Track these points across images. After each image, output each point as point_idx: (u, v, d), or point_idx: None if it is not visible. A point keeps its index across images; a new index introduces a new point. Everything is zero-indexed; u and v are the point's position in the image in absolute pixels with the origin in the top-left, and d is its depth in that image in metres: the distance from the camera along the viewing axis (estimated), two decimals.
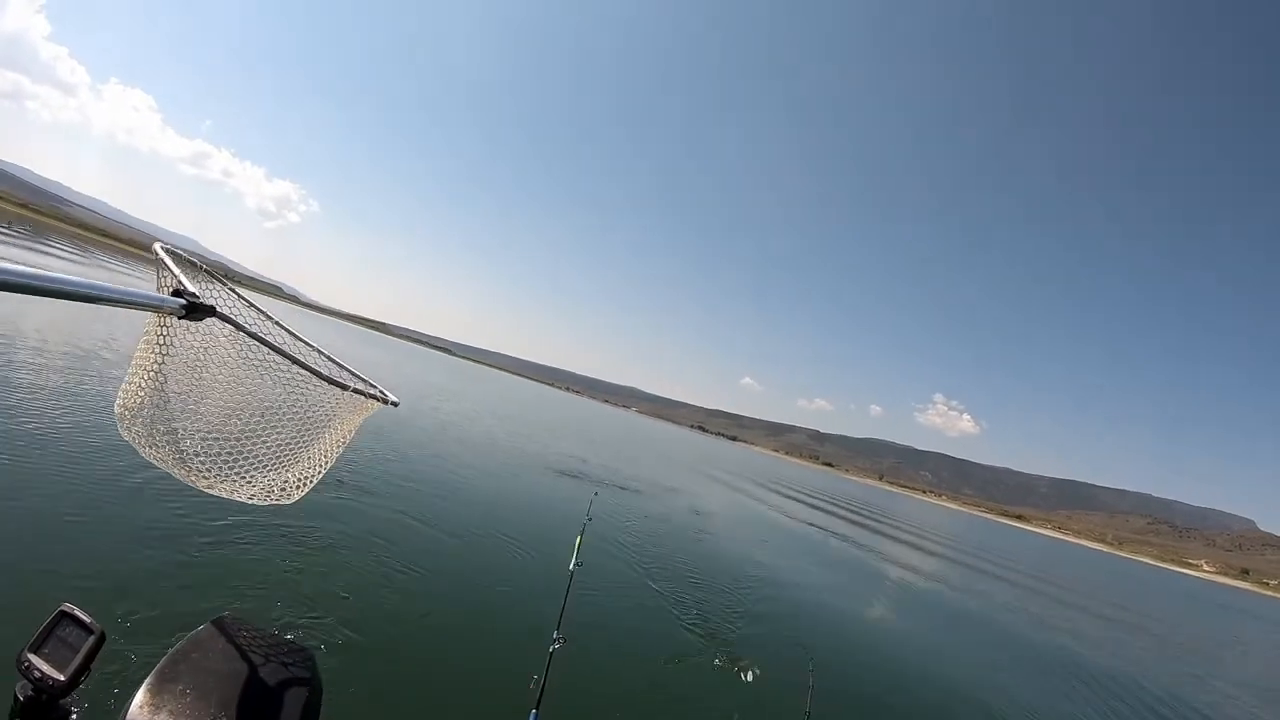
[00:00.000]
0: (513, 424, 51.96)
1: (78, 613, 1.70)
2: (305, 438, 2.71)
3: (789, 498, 67.37)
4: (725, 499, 46.24)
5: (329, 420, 2.74)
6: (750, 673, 12.67)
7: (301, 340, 2.95)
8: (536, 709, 5.01)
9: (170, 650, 1.69)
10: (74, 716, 1.66)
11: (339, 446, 2.90)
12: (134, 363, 2.42)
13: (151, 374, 2.28)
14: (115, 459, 13.61)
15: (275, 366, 2.36)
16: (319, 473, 2.84)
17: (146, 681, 1.57)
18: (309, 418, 2.69)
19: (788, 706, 11.15)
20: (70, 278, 1.16)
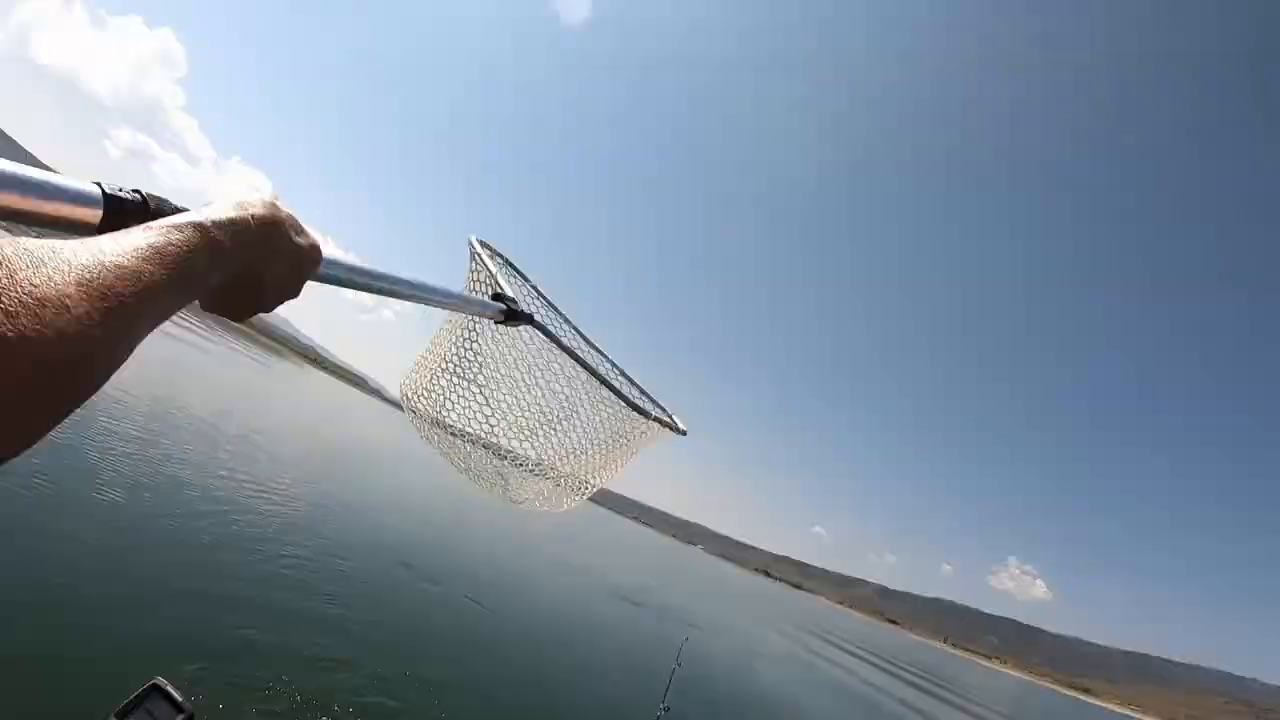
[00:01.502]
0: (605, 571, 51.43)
1: (170, 689, 1.71)
2: (593, 450, 2.61)
3: (853, 654, 66.14)
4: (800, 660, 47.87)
5: (621, 440, 2.63)
6: None
7: (608, 359, 2.96)
8: None
9: None
10: None
11: (623, 464, 2.75)
12: (432, 348, 2.51)
13: (449, 364, 2.35)
14: (267, 541, 14.92)
15: (579, 380, 2.33)
16: (594, 486, 2.75)
17: None
18: (602, 433, 2.60)
19: None
20: (396, 274, 1.17)
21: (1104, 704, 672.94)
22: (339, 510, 23.10)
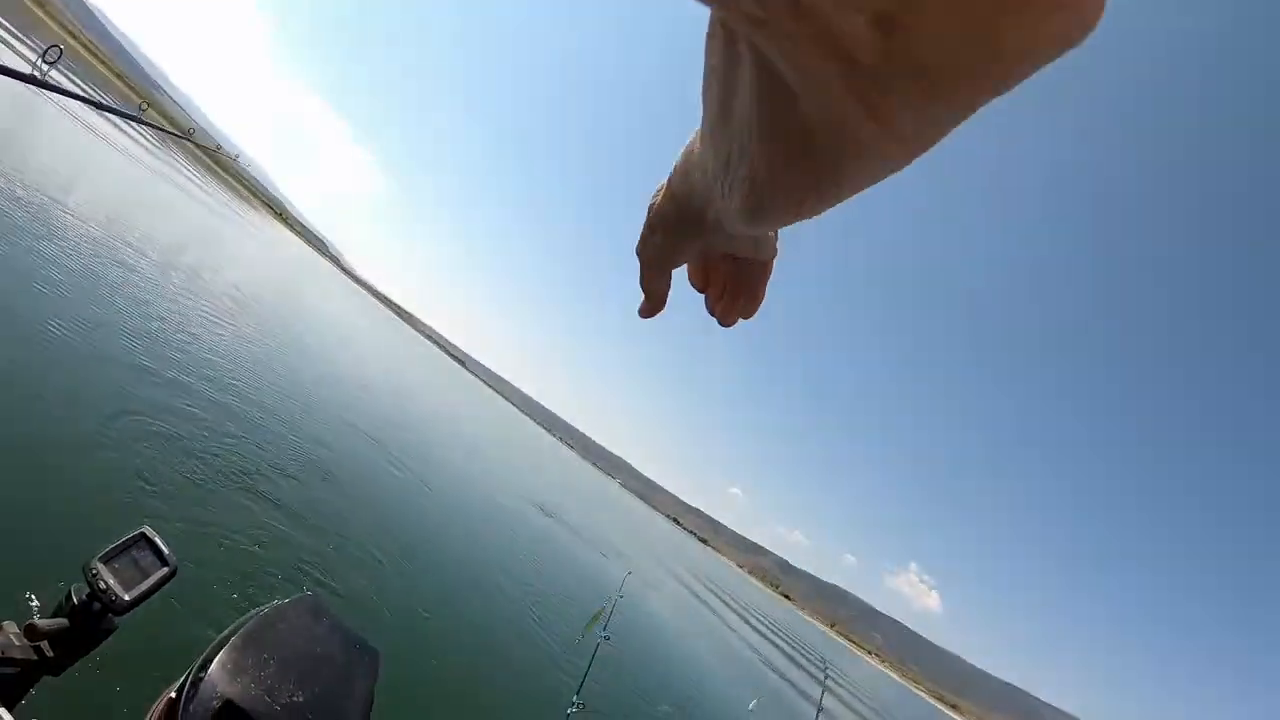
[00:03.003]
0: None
1: (157, 539, 1.78)
2: None
3: (747, 620, 68.75)
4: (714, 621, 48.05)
5: None
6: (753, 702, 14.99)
7: None
8: None
9: (257, 614, 1.75)
10: (113, 634, 1.79)
11: None
12: None
13: None
14: (247, 401, 15.72)
15: None
16: None
17: (234, 638, 1.60)
18: None
19: None
20: None
21: None
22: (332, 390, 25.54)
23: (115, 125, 62.22)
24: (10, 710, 1.60)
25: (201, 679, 1.51)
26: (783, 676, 45.34)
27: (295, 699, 1.59)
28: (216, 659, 1.56)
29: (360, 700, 1.77)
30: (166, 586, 1.86)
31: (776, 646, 66.91)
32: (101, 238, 20.38)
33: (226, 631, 1.67)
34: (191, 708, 1.45)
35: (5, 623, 1.72)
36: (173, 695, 1.52)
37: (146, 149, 76.78)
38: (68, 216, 19.50)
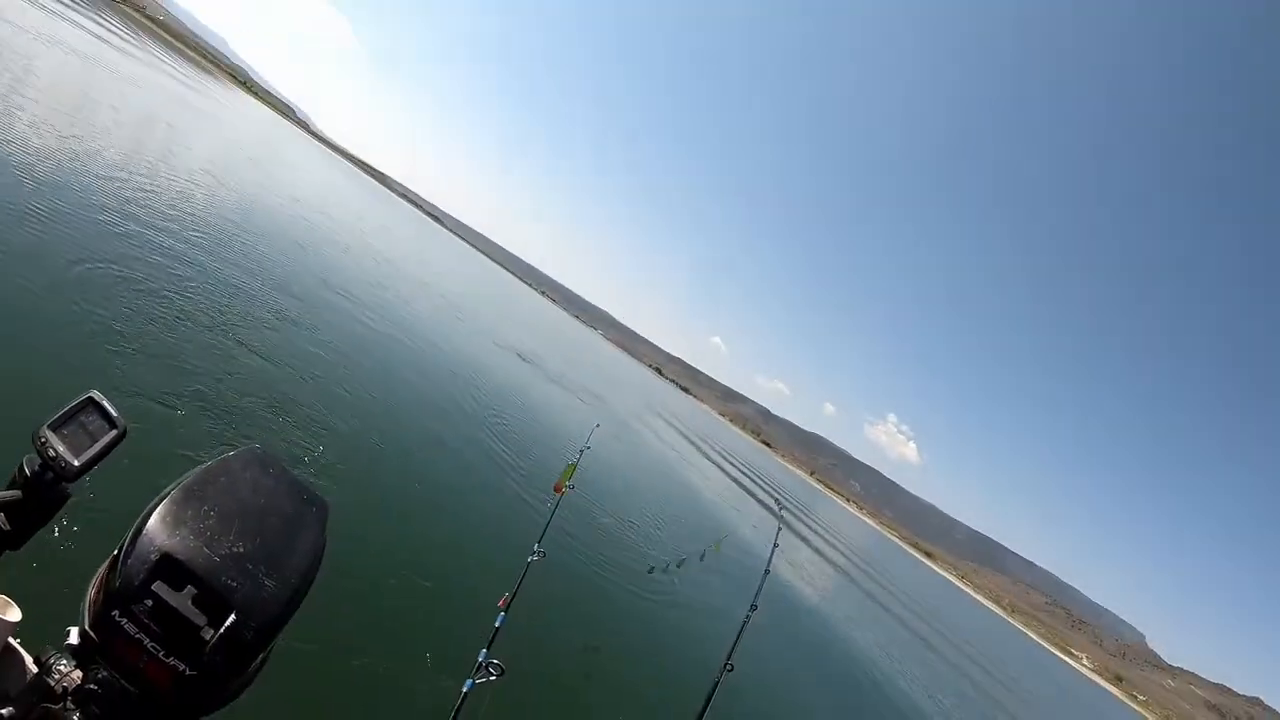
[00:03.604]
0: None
1: (104, 403, 1.77)
2: None
3: (721, 466, 69.95)
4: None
5: None
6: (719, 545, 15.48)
7: None
8: (505, 611, 5.77)
9: (199, 468, 1.73)
10: (69, 500, 1.74)
11: None
12: None
13: None
14: (178, 270, 15.62)
15: None
16: None
17: (171, 493, 1.59)
18: None
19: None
20: None
21: (940, 570, 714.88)
22: (283, 252, 25.95)
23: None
24: None
25: (139, 535, 1.51)
26: (750, 517, 46.19)
27: (236, 549, 1.60)
28: (154, 514, 1.56)
29: (306, 551, 1.77)
30: (117, 449, 1.78)
31: (748, 490, 68.03)
32: (61, 111, 20.51)
33: (168, 488, 1.67)
34: (129, 563, 1.45)
35: None
36: (115, 554, 1.52)
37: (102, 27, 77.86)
38: (30, 97, 19.73)
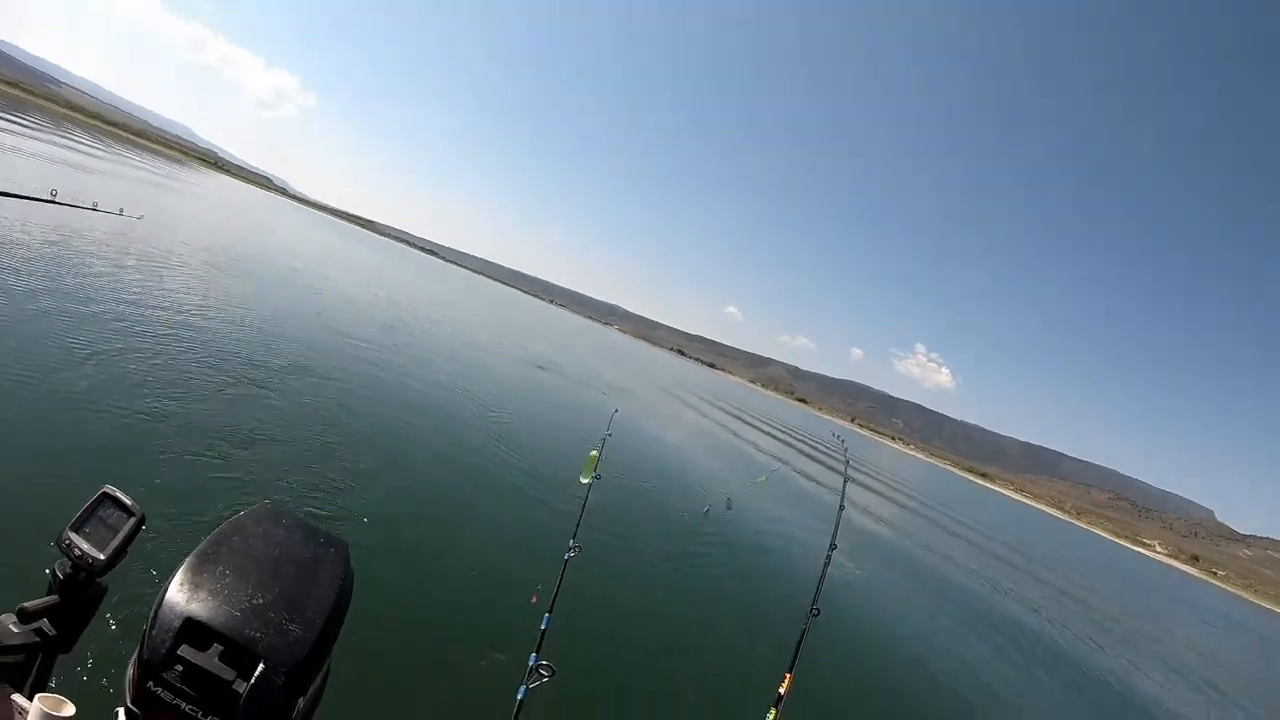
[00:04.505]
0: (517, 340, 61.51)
1: (119, 495, 1.84)
2: None
3: (768, 433, 69.80)
4: (714, 432, 49.21)
5: None
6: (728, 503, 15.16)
7: None
8: (550, 612, 5.61)
9: (212, 533, 1.78)
10: (106, 593, 1.85)
11: None
12: None
13: None
14: (161, 350, 15.73)
15: None
16: None
17: (187, 561, 1.65)
18: None
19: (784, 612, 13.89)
20: None
21: (999, 488, 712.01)
22: (266, 314, 25.08)
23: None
24: (36, 693, 1.62)
25: (161, 606, 1.56)
26: (801, 470, 45.90)
27: (255, 601, 1.64)
28: (172, 583, 1.61)
29: (328, 591, 1.82)
30: (139, 536, 1.91)
31: (789, 444, 67.65)
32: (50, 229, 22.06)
33: (185, 557, 1.72)
34: (154, 634, 1.51)
35: (1, 615, 1.76)
36: (143, 629, 1.56)
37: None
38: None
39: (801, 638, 5.30)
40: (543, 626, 5.36)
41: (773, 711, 4.83)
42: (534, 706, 4.74)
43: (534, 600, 6.04)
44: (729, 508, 15.46)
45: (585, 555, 6.38)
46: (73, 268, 19.97)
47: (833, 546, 6.24)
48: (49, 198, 10.29)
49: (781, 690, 5.02)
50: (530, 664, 4.82)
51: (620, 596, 12.23)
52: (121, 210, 13.77)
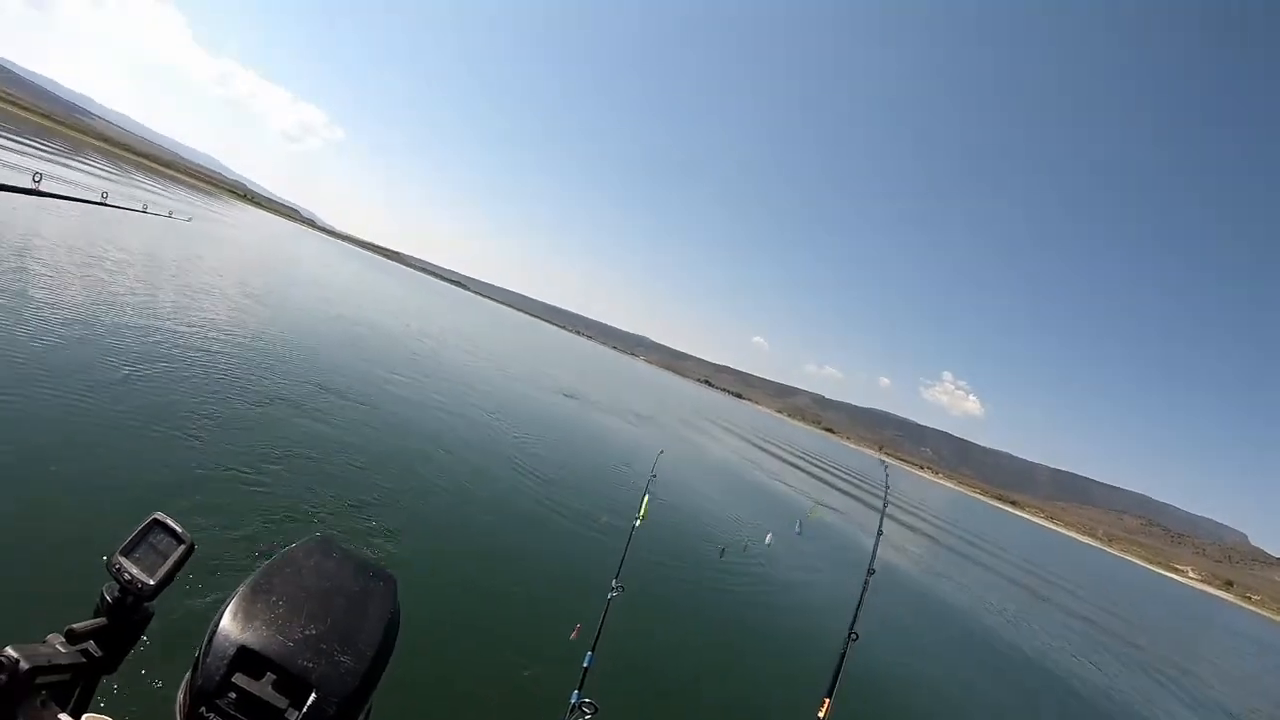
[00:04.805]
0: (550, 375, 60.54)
1: (169, 522, 1.85)
2: None
3: (796, 466, 69.72)
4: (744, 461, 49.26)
5: None
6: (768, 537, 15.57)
7: None
8: (592, 650, 5.68)
9: (265, 563, 1.83)
10: (153, 618, 1.86)
11: None
12: None
13: None
14: (213, 381, 16.33)
15: None
16: None
17: (240, 590, 1.68)
18: None
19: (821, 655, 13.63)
20: None
21: (1028, 515, 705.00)
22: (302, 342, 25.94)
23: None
24: (81, 714, 1.65)
25: (215, 634, 1.57)
26: (830, 505, 45.84)
27: (308, 632, 1.67)
28: (226, 612, 1.63)
29: (378, 624, 1.84)
30: (188, 563, 1.87)
31: (819, 479, 67.43)
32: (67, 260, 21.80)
33: (238, 587, 1.74)
34: (208, 661, 1.52)
35: (50, 636, 1.74)
36: (196, 656, 1.57)
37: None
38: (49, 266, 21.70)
39: (840, 662, 5.36)
40: (585, 664, 5.54)
41: None
42: None
43: (574, 636, 6.21)
44: (769, 544, 15.59)
45: (629, 593, 6.50)
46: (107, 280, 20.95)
47: (871, 571, 6.26)
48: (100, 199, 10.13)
49: (821, 715, 5.13)
50: (573, 701, 5.01)
51: (661, 633, 12.42)
52: (170, 213, 14.02)
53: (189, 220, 32.50)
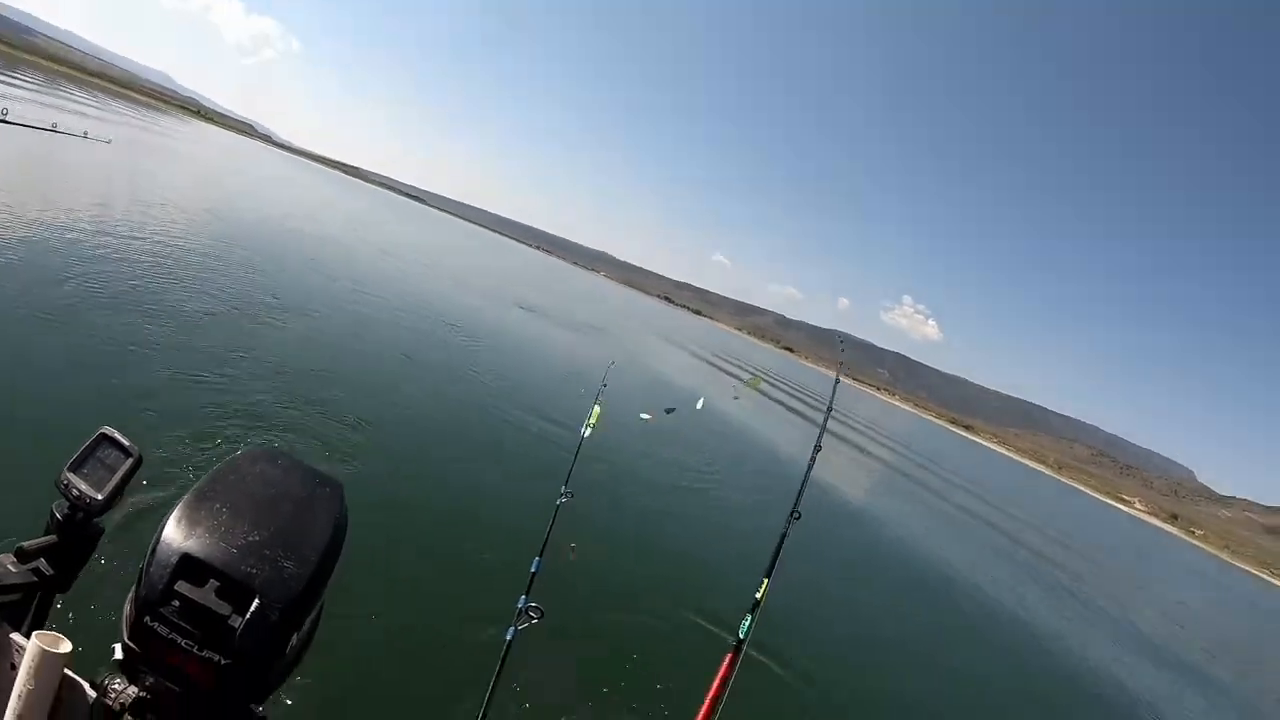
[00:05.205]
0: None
1: (117, 435, 1.85)
2: None
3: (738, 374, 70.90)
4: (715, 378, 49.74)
5: None
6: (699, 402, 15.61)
7: None
8: (540, 556, 5.65)
9: (210, 471, 1.80)
10: (104, 533, 1.86)
11: None
12: None
13: None
14: (158, 292, 16.04)
15: None
16: None
17: (185, 499, 1.66)
18: None
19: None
20: None
21: (982, 440, 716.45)
22: (258, 255, 26.04)
23: None
24: (33, 631, 1.60)
25: (158, 544, 1.57)
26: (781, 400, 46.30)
27: (252, 538, 1.66)
28: (169, 521, 1.62)
29: (324, 530, 1.83)
30: (135, 475, 1.90)
31: (786, 401, 67.75)
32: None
33: (182, 496, 1.72)
34: (152, 570, 1.52)
35: (0, 555, 1.77)
36: (140, 567, 1.57)
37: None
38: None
39: (781, 542, 5.28)
40: (532, 570, 5.48)
41: (749, 617, 4.93)
42: (524, 647, 4.90)
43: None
44: (699, 407, 15.91)
45: (577, 500, 6.38)
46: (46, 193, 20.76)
47: (817, 448, 6.01)
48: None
49: (758, 595, 5.08)
50: (519, 606, 4.95)
51: (608, 536, 12.57)
52: (85, 133, 13.69)
53: (108, 142, 31.45)
